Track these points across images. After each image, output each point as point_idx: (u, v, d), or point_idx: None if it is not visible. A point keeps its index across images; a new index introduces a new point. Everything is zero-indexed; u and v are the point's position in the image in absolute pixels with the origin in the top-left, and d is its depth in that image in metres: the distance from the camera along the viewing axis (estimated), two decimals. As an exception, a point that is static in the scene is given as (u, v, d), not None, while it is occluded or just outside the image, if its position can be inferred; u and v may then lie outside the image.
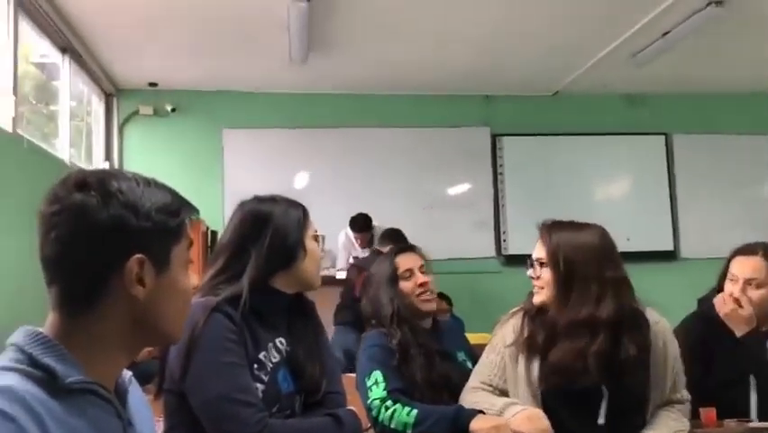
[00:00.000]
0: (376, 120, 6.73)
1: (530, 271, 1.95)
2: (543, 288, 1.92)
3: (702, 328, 2.35)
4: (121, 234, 0.92)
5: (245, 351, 1.52)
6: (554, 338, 1.87)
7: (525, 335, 1.93)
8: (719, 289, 2.35)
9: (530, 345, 1.91)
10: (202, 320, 1.49)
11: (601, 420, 1.85)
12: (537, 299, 1.94)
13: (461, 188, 6.98)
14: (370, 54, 5.78)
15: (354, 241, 5.84)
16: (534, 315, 1.95)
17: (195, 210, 1.03)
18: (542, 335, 1.89)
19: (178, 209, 0.99)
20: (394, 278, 2.22)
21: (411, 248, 2.36)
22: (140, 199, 0.94)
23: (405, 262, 2.25)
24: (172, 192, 1.01)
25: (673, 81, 6.65)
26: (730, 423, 2.05)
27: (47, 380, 0.86)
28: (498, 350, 1.99)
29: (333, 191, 6.43)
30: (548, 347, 1.88)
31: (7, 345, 0.90)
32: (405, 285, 2.21)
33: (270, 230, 1.64)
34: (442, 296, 2.38)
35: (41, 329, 0.92)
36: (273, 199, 1.72)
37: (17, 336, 0.91)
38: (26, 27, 4.51)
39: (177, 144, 6.49)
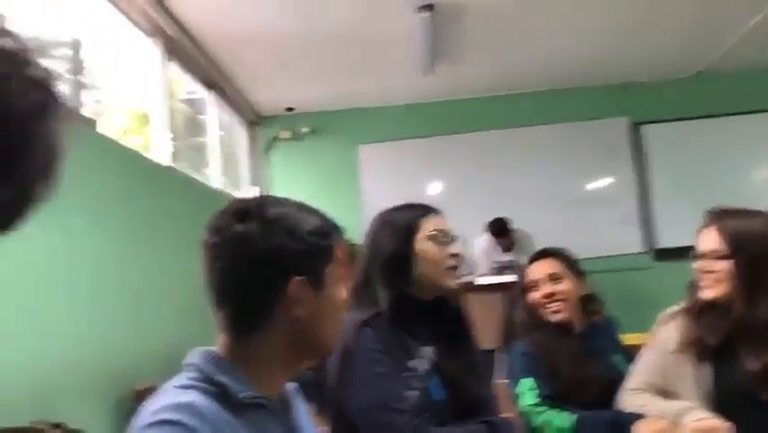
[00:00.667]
0: (508, 121, 6.64)
1: (699, 264, 1.79)
2: (719, 282, 1.75)
3: None
4: (281, 260, 0.98)
5: (395, 360, 1.55)
6: (743, 338, 1.72)
7: (693, 336, 1.78)
8: None
9: (700, 347, 1.77)
10: (352, 335, 1.53)
11: None
12: (710, 294, 1.76)
13: (603, 183, 6.71)
14: (497, 55, 5.72)
15: (494, 246, 5.77)
16: (700, 313, 1.81)
17: (341, 230, 1.08)
18: (715, 335, 1.75)
19: (327, 231, 1.04)
20: (523, 289, 2.21)
21: (544, 254, 2.27)
22: (295, 224, 1.00)
23: (532, 272, 2.21)
24: (321, 215, 1.06)
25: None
26: None
27: (221, 395, 0.94)
28: (661, 350, 1.86)
29: (470, 196, 6.41)
30: (734, 348, 1.73)
31: (184, 365, 0.99)
32: (531, 296, 2.18)
33: (380, 242, 1.65)
34: (592, 297, 2.27)
35: (213, 349, 1.00)
36: (395, 208, 1.71)
37: (193, 357, 0.99)
38: (175, 68, 4.90)
39: (315, 164, 6.76)
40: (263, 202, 1.03)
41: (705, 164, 6.47)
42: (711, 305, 1.78)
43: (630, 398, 1.90)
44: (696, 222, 1.85)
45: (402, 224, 1.65)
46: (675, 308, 1.91)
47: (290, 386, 1.11)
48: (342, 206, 6.11)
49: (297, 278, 0.98)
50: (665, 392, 1.85)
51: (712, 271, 1.75)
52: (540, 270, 2.19)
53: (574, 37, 5.42)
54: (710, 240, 1.77)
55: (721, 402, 1.73)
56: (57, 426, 2.44)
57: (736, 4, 4.98)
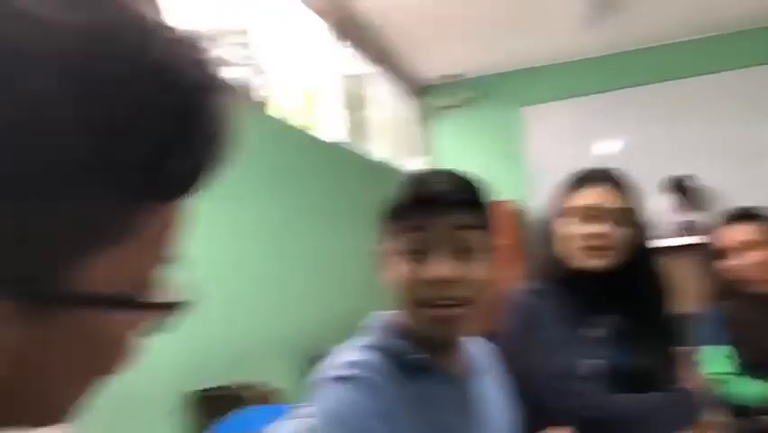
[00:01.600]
0: (686, 69, 6.10)
1: None
2: None
3: None
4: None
5: (570, 328, 1.52)
6: None
7: None
8: None
9: None
10: (519, 303, 1.54)
11: None
12: None
13: (802, 131, 6.00)
14: (671, -1, 5.28)
15: (674, 205, 5.42)
16: None
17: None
18: None
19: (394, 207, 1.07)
20: (715, 253, 2.02)
21: (742, 217, 2.03)
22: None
23: (728, 237, 2.00)
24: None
25: None
26: None
27: (389, 355, 1.02)
28: None
29: (646, 154, 5.99)
30: None
31: (363, 327, 1.10)
32: (728, 264, 1.98)
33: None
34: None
35: (389, 313, 1.09)
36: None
37: (371, 319, 1.10)
38: (340, 44, 5.07)
39: (480, 130, 6.70)
40: None
41: None
42: None
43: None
44: None
45: (553, 196, 1.62)
46: None
47: (483, 349, 1.16)
48: (509, 169, 6.09)
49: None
50: None
51: None
52: (738, 235, 1.99)
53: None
54: None
55: None
56: (250, 386, 2.69)
57: None
